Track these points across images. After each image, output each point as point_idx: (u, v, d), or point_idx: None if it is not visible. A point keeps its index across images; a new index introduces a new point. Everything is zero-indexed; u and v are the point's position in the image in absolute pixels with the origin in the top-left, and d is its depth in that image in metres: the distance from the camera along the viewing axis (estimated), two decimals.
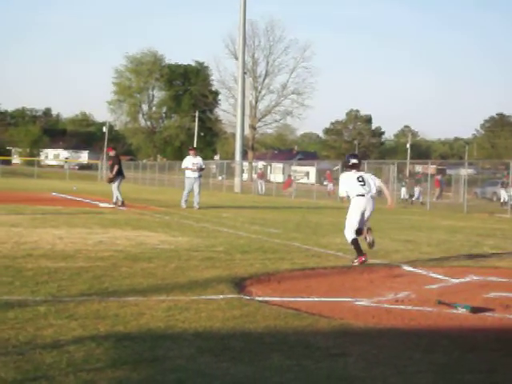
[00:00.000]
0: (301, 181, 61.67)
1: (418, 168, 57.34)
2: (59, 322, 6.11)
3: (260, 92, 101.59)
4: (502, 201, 41.20)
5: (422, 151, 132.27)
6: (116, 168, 24.35)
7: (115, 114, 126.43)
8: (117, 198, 24.18)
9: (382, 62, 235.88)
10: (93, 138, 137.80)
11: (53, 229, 14.70)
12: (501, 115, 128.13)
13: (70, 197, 31.18)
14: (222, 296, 7.61)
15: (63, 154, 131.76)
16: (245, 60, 60.41)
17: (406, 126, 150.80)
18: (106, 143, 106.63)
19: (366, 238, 11.31)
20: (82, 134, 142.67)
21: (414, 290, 8.77)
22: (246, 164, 76.81)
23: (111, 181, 24.70)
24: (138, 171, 71.99)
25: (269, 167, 74.65)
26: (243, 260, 10.81)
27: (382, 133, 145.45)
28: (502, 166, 55.35)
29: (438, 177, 47.62)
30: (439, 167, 57.97)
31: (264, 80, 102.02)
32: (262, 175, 55.89)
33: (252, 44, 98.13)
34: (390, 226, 20.15)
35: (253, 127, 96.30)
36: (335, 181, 44.33)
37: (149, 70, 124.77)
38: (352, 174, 11.37)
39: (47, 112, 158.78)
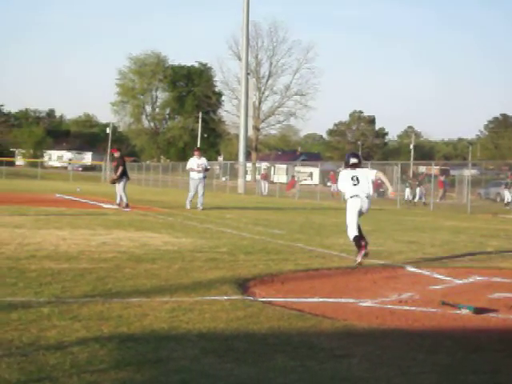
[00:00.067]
0: (304, 182, 61.67)
1: (422, 169, 57.26)
2: (63, 323, 6.12)
3: (263, 93, 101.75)
4: (505, 201, 41.14)
5: (426, 152, 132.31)
6: (120, 169, 24.31)
7: (119, 116, 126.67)
8: (120, 199, 24.15)
9: (386, 62, 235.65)
10: (96, 139, 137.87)
11: (56, 230, 14.71)
12: (504, 116, 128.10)
13: (73, 198, 31.19)
14: (225, 297, 7.61)
15: (67, 155, 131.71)
16: (248, 61, 60.48)
17: (410, 127, 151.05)
18: (109, 144, 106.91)
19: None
20: (85, 136, 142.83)
21: (418, 291, 8.76)
22: (249, 165, 76.76)
23: (114, 182, 24.67)
24: (141, 172, 71.99)
25: (272, 168, 74.51)
26: (247, 261, 10.81)
27: (386, 133, 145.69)
28: (505, 167, 55.36)
29: (442, 177, 47.56)
30: (443, 168, 57.86)
31: (267, 81, 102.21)
32: (266, 176, 55.87)
33: (255, 45, 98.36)
34: (393, 227, 20.15)
35: (256, 128, 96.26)
36: None
37: (152, 71, 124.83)
38: (347, 174, 11.55)
39: (51, 113, 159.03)
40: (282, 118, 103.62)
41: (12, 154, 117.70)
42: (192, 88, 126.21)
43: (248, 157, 72.74)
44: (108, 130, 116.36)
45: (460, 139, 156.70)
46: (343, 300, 8.07)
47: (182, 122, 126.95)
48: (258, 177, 65.55)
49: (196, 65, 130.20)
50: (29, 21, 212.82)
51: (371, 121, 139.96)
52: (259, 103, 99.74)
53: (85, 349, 5.28)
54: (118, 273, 9.07)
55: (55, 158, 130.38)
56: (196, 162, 25.10)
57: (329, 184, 55.41)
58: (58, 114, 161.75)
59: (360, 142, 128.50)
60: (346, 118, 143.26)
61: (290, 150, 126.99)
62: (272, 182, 58.47)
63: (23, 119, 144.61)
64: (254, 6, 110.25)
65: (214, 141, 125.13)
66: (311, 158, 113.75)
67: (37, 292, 7.49)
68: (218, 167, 67.83)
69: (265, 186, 52.45)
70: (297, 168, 61.37)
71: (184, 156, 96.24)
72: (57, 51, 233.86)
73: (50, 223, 16.40)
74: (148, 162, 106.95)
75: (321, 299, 8.01)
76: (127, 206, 23.69)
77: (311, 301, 7.89)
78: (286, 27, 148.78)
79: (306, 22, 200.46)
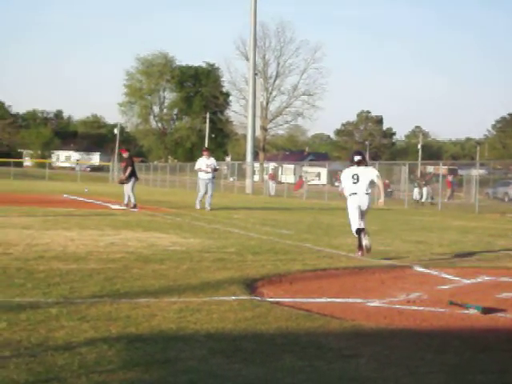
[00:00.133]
0: (312, 182, 61.64)
1: (430, 169, 57.14)
2: (71, 323, 6.13)
3: (271, 93, 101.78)
4: None
5: (434, 152, 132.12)
6: (129, 169, 24.32)
7: (126, 116, 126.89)
8: (128, 199, 24.18)
9: (393, 62, 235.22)
10: (104, 139, 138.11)
11: (64, 231, 14.74)
12: None
13: (81, 198, 31.26)
14: (233, 297, 7.61)
15: (74, 155, 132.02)
16: (256, 61, 60.48)
17: (417, 127, 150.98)
18: (117, 145, 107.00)
19: (362, 241, 11.56)
20: (93, 136, 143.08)
21: (426, 291, 8.75)
22: (257, 165, 76.83)
23: (123, 182, 24.70)
24: (149, 173, 72.09)
25: (280, 168, 74.53)
26: (255, 261, 10.80)
27: (393, 133, 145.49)
28: None
29: (450, 177, 47.49)
30: (451, 168, 57.77)
31: (275, 81, 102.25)
32: (273, 176, 55.88)
33: (263, 45, 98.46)
34: (401, 227, 20.13)
35: (264, 128, 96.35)
36: None
37: (160, 72, 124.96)
38: (349, 172, 12.06)
39: (58, 114, 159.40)
40: (289, 118, 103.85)
41: (20, 155, 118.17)
42: (199, 88, 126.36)
43: (256, 157, 72.83)
44: (116, 131, 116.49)
45: (468, 139, 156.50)
46: (351, 300, 8.07)
47: (189, 122, 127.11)
48: (265, 177, 65.57)
49: (203, 65, 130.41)
50: (30, 21, 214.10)
51: (379, 121, 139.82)
52: (267, 103, 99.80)
53: (93, 349, 5.28)
54: (126, 273, 9.07)
55: (63, 158, 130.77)
56: (205, 162, 25.09)
57: (336, 184, 55.34)
58: (65, 114, 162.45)
59: (368, 142, 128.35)
60: (353, 118, 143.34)
61: (297, 150, 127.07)
62: (280, 182, 58.49)
63: (31, 120, 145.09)
64: (261, 6, 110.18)
65: (221, 141, 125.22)
66: (319, 158, 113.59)
67: (45, 292, 7.50)
68: (225, 167, 67.88)
69: (272, 187, 52.45)
70: (304, 168, 61.42)
71: (192, 156, 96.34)
72: (61, 52, 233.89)
73: (58, 224, 16.43)
74: (156, 162, 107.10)
75: (329, 299, 8.00)
76: (135, 206, 23.71)
77: (319, 301, 7.88)
78: (294, 27, 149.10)
79: (313, 22, 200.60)
